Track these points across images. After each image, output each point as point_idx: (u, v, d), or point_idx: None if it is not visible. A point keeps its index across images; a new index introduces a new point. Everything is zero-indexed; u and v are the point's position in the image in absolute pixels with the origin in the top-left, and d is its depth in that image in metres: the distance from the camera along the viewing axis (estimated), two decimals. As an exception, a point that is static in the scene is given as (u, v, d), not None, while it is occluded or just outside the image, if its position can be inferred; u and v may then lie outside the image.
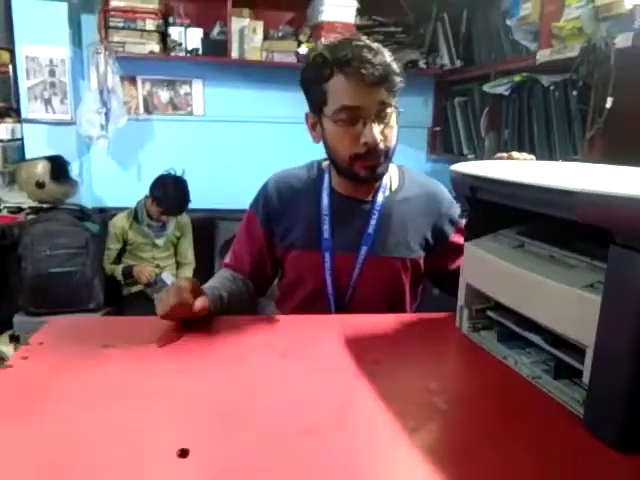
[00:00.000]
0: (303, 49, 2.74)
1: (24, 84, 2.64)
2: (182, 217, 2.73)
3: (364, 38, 0.99)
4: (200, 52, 2.70)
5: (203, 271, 2.72)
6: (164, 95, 2.94)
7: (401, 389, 0.69)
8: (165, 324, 0.86)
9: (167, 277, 2.61)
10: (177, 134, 2.98)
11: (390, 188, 1.13)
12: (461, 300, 0.86)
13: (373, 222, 1.08)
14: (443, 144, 3.11)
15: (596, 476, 0.54)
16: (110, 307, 2.55)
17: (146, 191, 2.60)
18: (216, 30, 2.74)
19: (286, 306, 1.18)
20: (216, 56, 2.74)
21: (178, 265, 2.80)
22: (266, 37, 2.78)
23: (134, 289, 2.65)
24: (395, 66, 0.98)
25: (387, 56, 0.97)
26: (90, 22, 2.75)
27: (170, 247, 2.75)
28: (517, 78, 2.18)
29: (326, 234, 1.08)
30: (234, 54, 2.73)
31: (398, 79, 0.98)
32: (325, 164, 1.14)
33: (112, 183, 2.96)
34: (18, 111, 2.68)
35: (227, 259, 1.19)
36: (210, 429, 0.59)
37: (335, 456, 0.54)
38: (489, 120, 2.47)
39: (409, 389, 0.70)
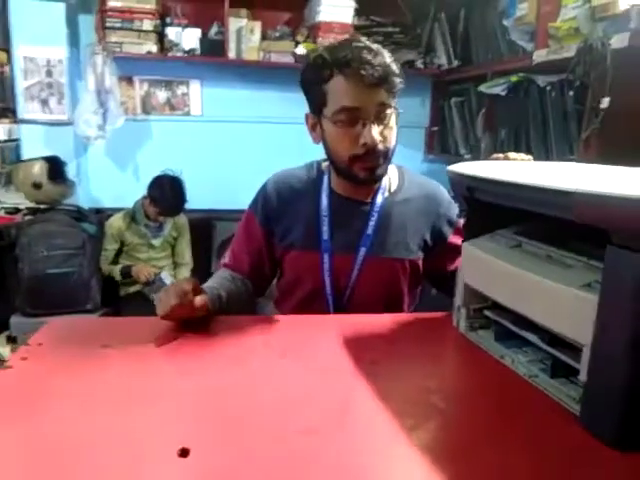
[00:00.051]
0: (300, 49, 2.74)
1: (21, 84, 2.63)
2: (179, 217, 2.72)
3: (364, 39, 1.00)
4: (197, 52, 2.70)
5: (200, 271, 2.71)
6: (161, 95, 2.93)
7: (399, 388, 0.70)
8: (164, 324, 0.86)
9: (166, 276, 2.60)
10: (174, 134, 2.98)
11: (389, 189, 1.13)
12: (458, 300, 0.87)
13: (372, 223, 1.08)
14: (440, 144, 3.11)
15: (592, 473, 0.55)
16: (107, 308, 2.55)
17: (144, 191, 2.59)
18: (213, 30, 2.74)
19: (285, 306, 1.18)
20: (213, 56, 2.73)
21: (175, 265, 2.80)
22: (264, 37, 2.78)
23: (131, 289, 2.64)
24: (395, 67, 0.98)
25: (387, 57, 0.97)
26: (87, 22, 2.73)
27: (167, 248, 2.75)
28: (514, 78, 2.19)
29: (325, 235, 1.08)
30: (231, 54, 2.72)
31: (398, 80, 0.98)
32: (325, 165, 1.14)
33: (109, 184, 2.95)
34: (15, 111, 2.67)
35: (225, 259, 1.19)
36: (210, 429, 0.59)
37: (334, 455, 0.54)
38: (486, 120, 2.47)
39: (407, 388, 0.70)
